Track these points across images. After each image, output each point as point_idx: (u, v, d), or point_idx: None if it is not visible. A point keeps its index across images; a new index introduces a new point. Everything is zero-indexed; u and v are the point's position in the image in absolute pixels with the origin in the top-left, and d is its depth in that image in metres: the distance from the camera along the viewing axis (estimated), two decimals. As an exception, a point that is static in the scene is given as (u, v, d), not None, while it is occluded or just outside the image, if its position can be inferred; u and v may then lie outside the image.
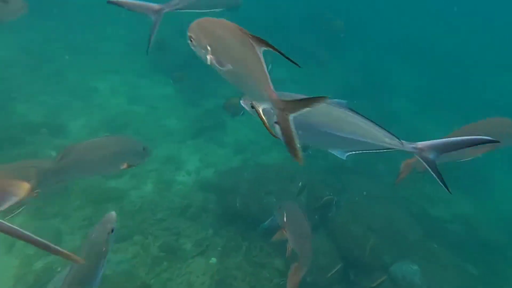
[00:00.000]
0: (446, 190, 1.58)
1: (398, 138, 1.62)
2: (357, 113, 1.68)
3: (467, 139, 1.43)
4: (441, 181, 1.57)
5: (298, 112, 1.43)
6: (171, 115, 7.22)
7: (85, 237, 4.21)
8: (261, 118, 1.56)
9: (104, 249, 1.99)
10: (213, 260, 4.30)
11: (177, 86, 7.53)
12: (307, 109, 1.39)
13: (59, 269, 3.67)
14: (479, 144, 1.43)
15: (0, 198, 1.89)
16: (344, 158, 1.76)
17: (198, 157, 6.24)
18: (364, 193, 5.22)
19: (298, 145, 1.41)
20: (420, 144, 1.55)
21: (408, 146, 1.59)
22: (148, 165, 5.59)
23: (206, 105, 7.63)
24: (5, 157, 4.58)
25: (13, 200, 1.89)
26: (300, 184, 5.26)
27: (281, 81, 9.42)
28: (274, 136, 1.58)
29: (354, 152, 1.74)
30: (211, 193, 5.29)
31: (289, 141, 1.41)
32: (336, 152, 1.77)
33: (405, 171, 2.94)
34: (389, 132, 1.63)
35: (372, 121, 1.67)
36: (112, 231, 2.04)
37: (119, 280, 3.70)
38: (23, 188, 1.84)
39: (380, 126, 1.65)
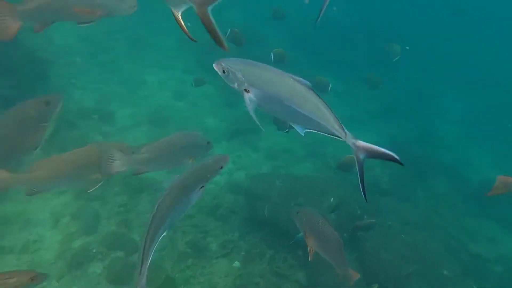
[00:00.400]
0: (363, 196, 1.73)
1: (344, 129, 1.78)
2: (317, 95, 1.80)
3: (388, 154, 1.65)
4: (361, 180, 1.73)
5: (215, 3, 1.61)
6: (210, 114, 7.40)
7: (120, 224, 4.47)
8: (178, 22, 1.74)
9: (209, 176, 2.24)
10: (237, 263, 4.33)
11: (216, 86, 7.73)
12: None
13: (94, 250, 3.92)
14: (391, 161, 1.65)
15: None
16: (302, 134, 1.88)
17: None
18: (389, 223, 4.95)
19: (221, 36, 1.61)
20: (359, 143, 1.71)
21: (350, 140, 1.74)
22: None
23: (244, 107, 7.70)
24: (60, 139, 4.97)
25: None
26: (331, 199, 5.13)
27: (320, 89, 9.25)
28: (191, 39, 1.78)
29: (311, 130, 1.87)
30: (241, 196, 5.33)
31: (213, 33, 1.59)
32: (296, 127, 1.89)
33: (501, 189, 2.66)
34: (339, 121, 1.79)
35: (328, 106, 1.79)
36: (221, 168, 2.29)
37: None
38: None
39: (334, 113, 1.79)
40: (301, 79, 1.79)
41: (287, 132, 4.81)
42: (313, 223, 2.91)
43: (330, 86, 5.54)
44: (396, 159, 1.62)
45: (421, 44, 11.00)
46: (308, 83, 1.78)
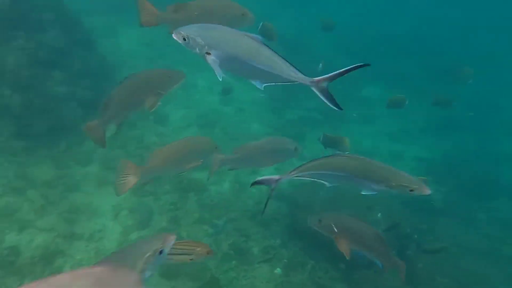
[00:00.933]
0: (336, 108, 1.95)
1: (302, 73, 1.93)
2: (270, 48, 1.93)
3: (343, 71, 1.85)
4: (332, 103, 1.93)
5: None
6: (255, 120, 7.54)
7: (171, 221, 4.75)
8: None
9: (394, 185, 2.29)
10: (278, 270, 4.36)
11: (264, 92, 7.85)
12: None
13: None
14: (355, 69, 1.82)
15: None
16: (262, 88, 1.99)
17: (275, 165, 6.36)
18: (444, 245, 4.56)
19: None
20: (316, 78, 1.91)
21: (307, 80, 1.92)
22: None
23: (289, 115, 7.75)
24: (122, 137, 5.45)
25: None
26: (379, 215, 4.93)
27: (368, 100, 8.95)
28: None
29: (269, 84, 1.99)
30: (283, 203, 5.35)
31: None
32: (255, 83, 1.99)
33: None
34: (295, 67, 1.94)
35: (282, 56, 1.93)
36: (411, 191, 2.29)
37: (192, 269, 4.04)
38: None
39: (288, 61, 1.94)
40: (253, 35, 1.92)
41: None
42: (344, 223, 2.86)
43: (407, 101, 5.47)
44: (350, 69, 1.81)
45: (485, 53, 10.12)
46: (259, 37, 1.91)
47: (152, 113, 6.53)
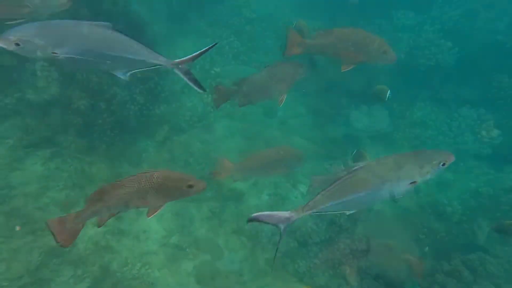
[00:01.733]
0: (200, 90, 2.00)
1: (163, 56, 1.93)
2: (125, 34, 1.86)
3: (197, 53, 1.95)
4: (194, 84, 1.98)
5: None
6: (297, 134, 7.48)
7: (209, 229, 4.84)
8: None
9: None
10: (313, 293, 4.26)
11: (308, 106, 7.79)
12: None
13: (187, 250, 4.34)
14: (208, 50, 1.95)
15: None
16: (127, 78, 1.93)
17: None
18: None
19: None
20: (176, 60, 1.95)
21: (168, 62, 1.95)
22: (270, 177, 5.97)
23: (334, 133, 7.57)
24: (170, 141, 5.71)
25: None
26: (426, 248, 4.62)
27: (420, 122, 8.47)
28: None
29: (134, 71, 1.94)
30: (322, 221, 5.22)
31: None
32: (117, 73, 1.93)
33: None
34: (155, 51, 1.94)
35: (140, 42, 1.90)
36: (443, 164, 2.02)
37: (229, 279, 4.08)
38: None
39: (148, 47, 1.93)
40: (101, 22, 1.80)
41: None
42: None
43: None
44: (200, 52, 1.93)
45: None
46: (110, 24, 1.82)
47: (200, 120, 6.81)
